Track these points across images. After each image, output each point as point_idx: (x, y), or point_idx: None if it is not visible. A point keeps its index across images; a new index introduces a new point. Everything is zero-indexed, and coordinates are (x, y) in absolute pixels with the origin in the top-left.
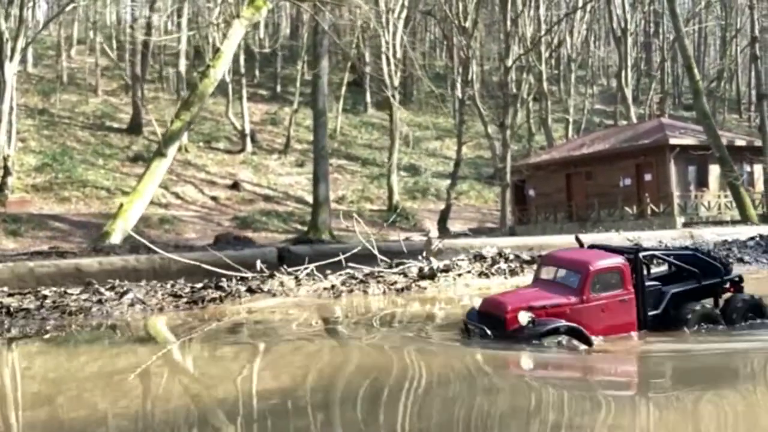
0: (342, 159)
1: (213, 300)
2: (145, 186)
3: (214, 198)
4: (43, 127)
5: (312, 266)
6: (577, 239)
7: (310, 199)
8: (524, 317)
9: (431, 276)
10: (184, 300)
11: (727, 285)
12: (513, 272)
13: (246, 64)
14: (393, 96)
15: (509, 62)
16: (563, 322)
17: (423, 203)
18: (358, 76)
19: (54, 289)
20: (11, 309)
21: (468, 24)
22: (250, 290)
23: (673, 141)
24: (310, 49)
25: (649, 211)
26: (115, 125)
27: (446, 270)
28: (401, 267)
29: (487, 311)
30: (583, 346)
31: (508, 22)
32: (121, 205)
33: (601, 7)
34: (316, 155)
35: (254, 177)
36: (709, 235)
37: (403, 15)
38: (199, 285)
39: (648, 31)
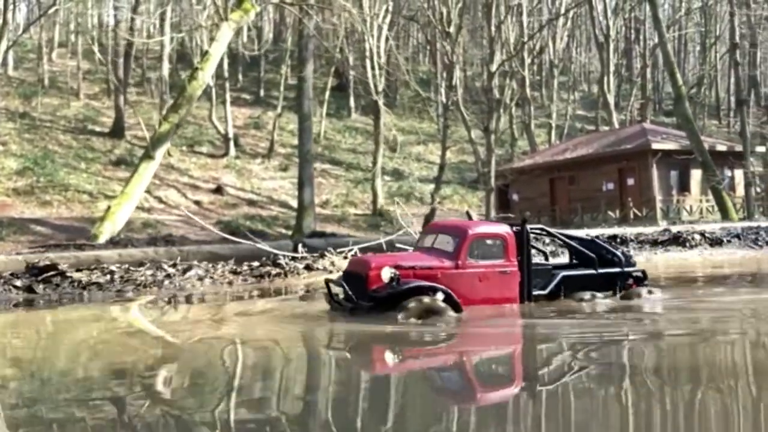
0: (326, 163)
1: (277, 275)
2: (133, 188)
3: (197, 202)
4: (25, 130)
5: (356, 248)
6: (467, 213)
7: (293, 203)
8: (387, 273)
9: None
10: (249, 275)
11: (629, 280)
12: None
13: (229, 68)
14: (378, 101)
15: (493, 67)
16: (428, 283)
17: (407, 207)
18: (342, 80)
19: (117, 265)
20: (83, 282)
21: (452, 29)
22: (307, 267)
23: (655, 146)
24: (294, 53)
25: (632, 215)
26: (98, 129)
27: None
28: None
29: (352, 270)
30: (450, 312)
31: (492, 28)
32: (109, 207)
33: (582, 13)
34: (301, 159)
35: (237, 181)
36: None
37: (388, 19)
38: (257, 263)
39: (629, 37)
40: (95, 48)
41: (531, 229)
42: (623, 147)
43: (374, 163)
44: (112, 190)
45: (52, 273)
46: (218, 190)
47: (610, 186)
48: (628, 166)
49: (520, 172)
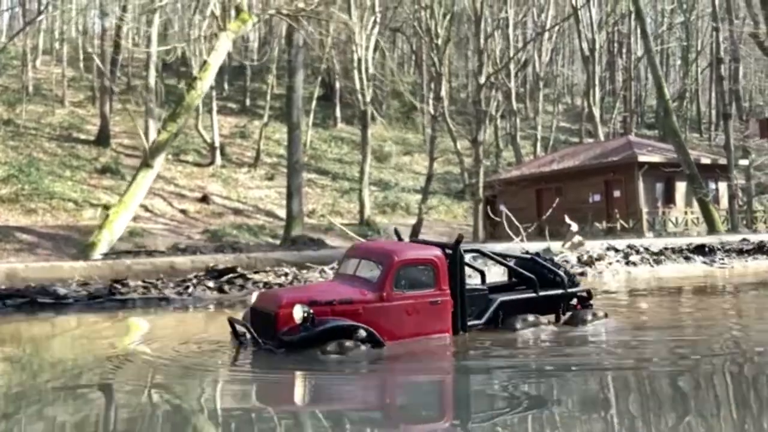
0: (312, 173)
1: None
2: (132, 197)
3: (183, 211)
4: (9, 137)
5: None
6: (396, 232)
7: (280, 212)
8: (299, 312)
9: (590, 263)
10: None
11: (573, 300)
12: (657, 261)
13: (216, 77)
14: (367, 111)
15: (482, 79)
16: (348, 322)
17: (393, 217)
18: (328, 90)
19: (293, 269)
20: (262, 283)
21: (440, 41)
22: None
23: (641, 158)
24: (280, 62)
25: (618, 227)
26: (83, 137)
27: (599, 258)
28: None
29: (259, 307)
30: (369, 349)
31: (481, 40)
32: (107, 216)
33: (566, 27)
34: (290, 169)
35: (224, 190)
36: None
37: (376, 30)
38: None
39: (612, 50)
40: (77, 56)
41: (465, 250)
42: (609, 159)
43: (361, 173)
44: (98, 198)
45: (232, 275)
46: (204, 199)
47: (597, 198)
48: (614, 178)
49: (507, 183)
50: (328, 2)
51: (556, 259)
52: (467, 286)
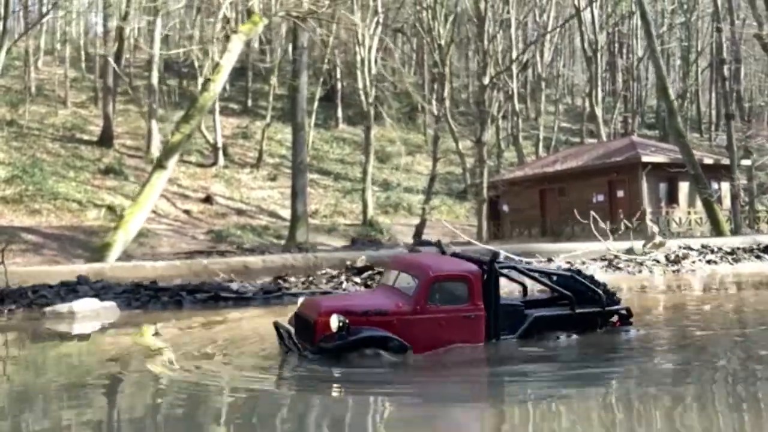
0: (314, 173)
1: None
2: (146, 198)
3: (186, 211)
4: (12, 138)
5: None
6: (438, 244)
7: (282, 213)
8: (335, 321)
9: (677, 261)
10: None
11: (613, 317)
12: (736, 260)
13: None
14: (369, 112)
15: (486, 80)
16: (380, 332)
17: (395, 218)
18: (330, 91)
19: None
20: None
21: (443, 42)
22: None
23: (645, 159)
24: (282, 63)
25: (622, 227)
26: (86, 137)
27: (684, 257)
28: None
29: (302, 314)
30: (395, 358)
31: (486, 41)
32: (122, 216)
33: (567, 27)
34: (295, 169)
35: (227, 191)
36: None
37: (379, 31)
38: None
39: (612, 50)
40: (79, 56)
41: (500, 267)
42: (613, 159)
43: (364, 173)
44: (102, 199)
45: (370, 272)
46: (207, 199)
47: (600, 198)
48: (617, 179)
49: (510, 184)
50: (337, 4)
51: (642, 259)
52: (504, 301)
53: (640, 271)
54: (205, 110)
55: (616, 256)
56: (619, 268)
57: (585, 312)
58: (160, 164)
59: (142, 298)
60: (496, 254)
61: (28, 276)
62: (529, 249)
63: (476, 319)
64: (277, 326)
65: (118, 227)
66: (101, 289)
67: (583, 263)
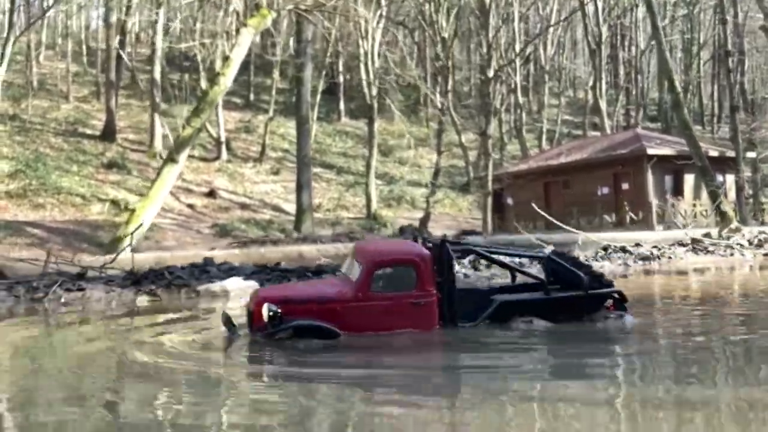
0: (317, 167)
1: None
2: (157, 192)
3: (190, 206)
4: (15, 132)
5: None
6: (411, 231)
7: (286, 207)
8: (266, 310)
9: (760, 244)
10: None
11: (604, 302)
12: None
13: None
14: (373, 105)
15: (490, 73)
16: (308, 321)
17: (399, 211)
18: (332, 84)
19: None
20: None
21: (447, 34)
22: None
23: (650, 151)
24: (284, 57)
25: (628, 219)
26: (88, 131)
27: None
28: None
29: (248, 302)
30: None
31: (490, 33)
32: (134, 210)
33: (570, 19)
34: (299, 163)
35: (230, 185)
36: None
37: (381, 24)
38: None
39: (615, 43)
40: (81, 51)
41: (454, 249)
42: (618, 152)
43: (368, 167)
44: (105, 193)
45: (471, 257)
46: (211, 193)
47: (605, 190)
48: (622, 171)
49: (515, 176)
50: None
51: (726, 243)
52: (466, 286)
53: (731, 254)
54: (215, 104)
55: (699, 241)
56: (710, 252)
57: (563, 296)
58: (171, 158)
59: (273, 278)
60: (445, 237)
61: (144, 261)
62: (602, 237)
63: (426, 305)
64: (224, 315)
65: (130, 221)
66: (229, 270)
67: (670, 248)
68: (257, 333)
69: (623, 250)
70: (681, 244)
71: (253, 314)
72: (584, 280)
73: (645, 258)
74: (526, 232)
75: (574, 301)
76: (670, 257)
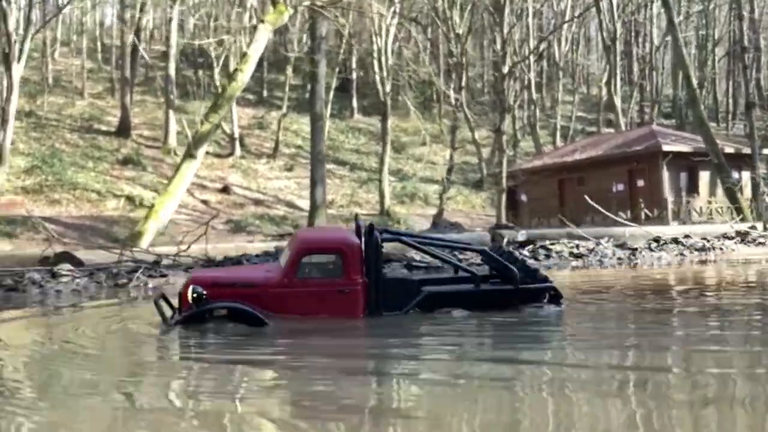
0: (330, 163)
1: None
2: (176, 187)
3: (204, 201)
4: (31, 129)
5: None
6: (356, 218)
7: (299, 203)
8: (190, 293)
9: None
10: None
11: (539, 297)
12: None
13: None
14: (386, 102)
15: (505, 69)
16: (231, 303)
17: (412, 208)
18: (345, 81)
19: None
20: (565, 253)
21: (462, 30)
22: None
23: (666, 147)
24: (300, 53)
25: (643, 216)
26: (103, 128)
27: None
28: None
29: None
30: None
31: (505, 29)
32: (153, 205)
33: (586, 15)
34: (313, 159)
35: (244, 181)
36: None
37: (395, 21)
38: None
39: (629, 39)
40: (95, 47)
41: (384, 239)
42: (633, 149)
43: (381, 163)
44: (120, 189)
45: (532, 246)
46: (225, 189)
47: (620, 187)
48: (638, 168)
49: (529, 173)
50: None
51: (755, 234)
52: (395, 276)
53: None
54: (233, 100)
55: (746, 233)
56: (762, 244)
57: (492, 290)
58: (189, 154)
59: None
60: (372, 224)
61: (215, 252)
62: (649, 230)
63: (351, 293)
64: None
65: (149, 216)
66: None
67: (718, 240)
68: (182, 315)
69: (675, 241)
70: (726, 237)
71: (181, 296)
72: (515, 274)
73: (700, 249)
74: (572, 225)
75: (503, 295)
76: (721, 248)
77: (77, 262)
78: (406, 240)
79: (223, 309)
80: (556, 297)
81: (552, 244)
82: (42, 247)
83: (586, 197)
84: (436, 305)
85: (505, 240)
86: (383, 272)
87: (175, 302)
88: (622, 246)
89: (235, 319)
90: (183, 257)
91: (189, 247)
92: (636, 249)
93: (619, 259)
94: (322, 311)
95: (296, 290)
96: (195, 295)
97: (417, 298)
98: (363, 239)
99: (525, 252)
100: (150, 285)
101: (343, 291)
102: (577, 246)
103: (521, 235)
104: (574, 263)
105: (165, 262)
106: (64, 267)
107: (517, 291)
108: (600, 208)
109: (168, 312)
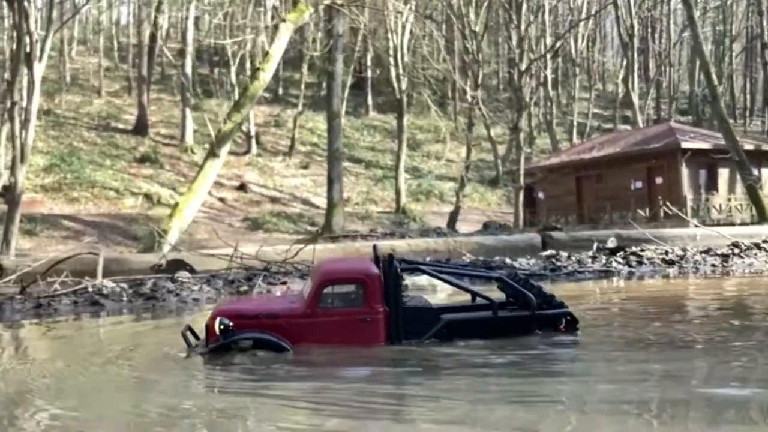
0: (346, 161)
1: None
2: (200, 185)
3: (221, 199)
4: (50, 127)
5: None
6: (374, 248)
7: (316, 201)
8: (218, 323)
9: None
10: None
11: (557, 323)
12: None
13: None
14: (402, 99)
15: (523, 66)
16: (257, 334)
17: (427, 205)
18: (359, 78)
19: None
20: (655, 259)
21: (478, 28)
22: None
23: (685, 144)
24: (312, 51)
25: (662, 214)
26: (121, 126)
27: None
28: None
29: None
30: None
31: (522, 27)
32: (177, 204)
33: (603, 12)
34: (330, 157)
35: (260, 179)
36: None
37: (411, 18)
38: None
39: (645, 36)
40: (112, 46)
41: (403, 268)
42: (651, 146)
43: (397, 161)
44: (138, 187)
45: (622, 252)
46: (242, 187)
47: (639, 185)
48: (656, 165)
49: (547, 171)
50: None
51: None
52: (414, 304)
53: None
54: (256, 99)
55: None
56: None
57: (509, 316)
58: (212, 152)
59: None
60: (391, 254)
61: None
62: (721, 232)
63: (373, 321)
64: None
65: (173, 215)
66: None
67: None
68: (210, 345)
69: (758, 246)
70: None
71: (208, 328)
72: (532, 300)
73: None
74: (638, 226)
75: (521, 321)
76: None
77: (190, 269)
78: (424, 269)
79: (248, 340)
80: (572, 322)
81: (642, 250)
82: (61, 246)
83: (663, 202)
84: (455, 333)
85: (595, 246)
86: (403, 301)
87: (200, 334)
88: (707, 252)
89: (260, 347)
90: (289, 263)
91: (297, 254)
92: (727, 255)
93: (713, 266)
94: (344, 340)
95: (319, 320)
96: (222, 326)
97: (436, 326)
98: (382, 268)
99: (618, 259)
100: (277, 292)
101: (365, 320)
102: (667, 252)
103: (611, 242)
104: (668, 270)
105: (273, 269)
106: (183, 275)
107: (534, 317)
108: (675, 210)
109: (193, 342)
